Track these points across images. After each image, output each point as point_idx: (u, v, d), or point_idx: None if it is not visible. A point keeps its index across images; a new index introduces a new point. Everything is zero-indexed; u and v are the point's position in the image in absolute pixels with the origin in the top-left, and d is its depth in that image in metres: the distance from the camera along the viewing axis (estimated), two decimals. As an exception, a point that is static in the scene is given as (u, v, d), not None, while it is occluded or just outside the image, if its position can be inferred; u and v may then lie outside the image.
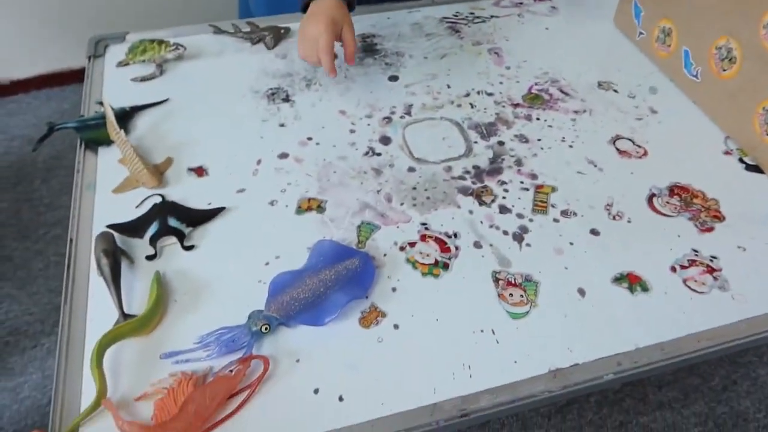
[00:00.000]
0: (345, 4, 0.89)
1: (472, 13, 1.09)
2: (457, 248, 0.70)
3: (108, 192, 0.77)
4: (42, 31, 1.87)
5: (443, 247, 0.71)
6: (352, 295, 0.64)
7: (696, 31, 0.89)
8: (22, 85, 1.92)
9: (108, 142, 0.83)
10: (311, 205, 0.75)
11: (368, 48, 1.00)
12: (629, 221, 0.74)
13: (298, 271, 0.67)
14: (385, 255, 0.69)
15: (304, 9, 0.90)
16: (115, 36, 1.03)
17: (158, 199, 0.75)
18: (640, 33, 1.00)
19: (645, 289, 0.67)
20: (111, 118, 0.82)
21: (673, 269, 0.69)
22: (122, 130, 0.81)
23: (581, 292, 0.66)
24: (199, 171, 0.80)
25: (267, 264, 0.68)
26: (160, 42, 0.97)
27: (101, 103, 0.88)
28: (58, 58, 1.91)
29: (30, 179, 1.68)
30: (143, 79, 0.95)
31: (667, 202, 0.76)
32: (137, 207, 0.75)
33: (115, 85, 0.94)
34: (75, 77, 1.86)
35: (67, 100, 1.89)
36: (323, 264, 0.66)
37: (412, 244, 0.71)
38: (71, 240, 0.72)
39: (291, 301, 0.63)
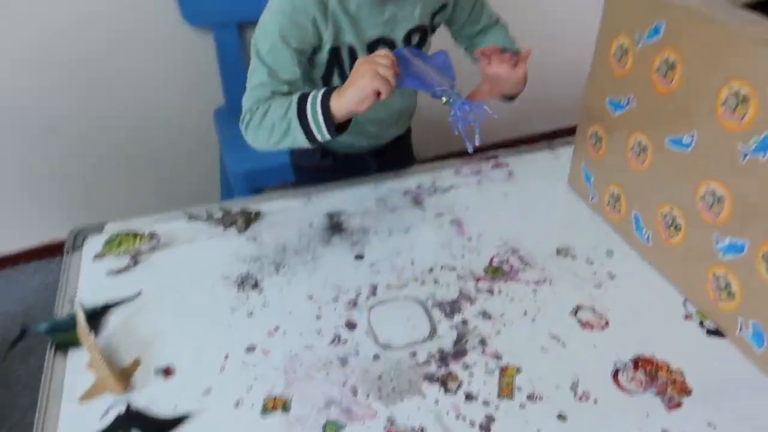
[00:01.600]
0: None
1: (433, 184, 1.15)
2: (423, 444, 0.69)
3: (75, 399, 0.77)
4: (30, 205, 1.96)
5: (409, 444, 0.70)
6: None
7: (642, 197, 0.94)
8: (9, 260, 1.97)
9: (79, 344, 0.84)
10: (276, 404, 0.75)
11: (335, 226, 1.05)
12: (596, 401, 0.73)
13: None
14: (350, 457, 0.68)
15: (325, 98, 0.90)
16: (93, 228, 1.07)
17: (123, 409, 0.75)
18: (593, 196, 1.06)
19: (617, 480, 0.65)
20: (82, 323, 0.84)
21: (644, 454, 0.67)
22: (92, 333, 0.82)
23: (552, 488, 0.65)
24: (167, 371, 0.80)
25: (230, 477, 0.67)
26: (135, 235, 1.01)
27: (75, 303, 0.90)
28: (46, 231, 1.98)
29: (9, 359, 1.66)
30: (118, 272, 0.98)
31: (632, 378, 0.76)
32: (102, 418, 0.74)
33: (90, 279, 0.97)
34: (62, 249, 1.91)
35: (53, 273, 1.92)
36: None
37: (378, 443, 0.70)
38: (33, 457, 0.71)
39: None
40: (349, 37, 0.97)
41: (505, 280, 0.92)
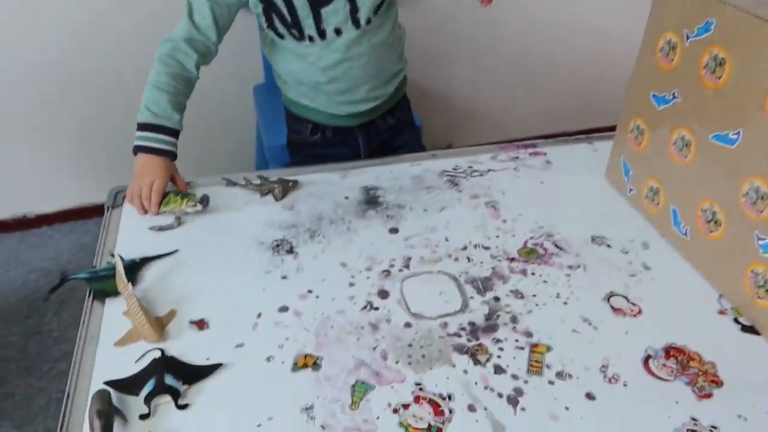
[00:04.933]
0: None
1: (470, 167, 1.15)
2: (451, 411, 0.70)
3: (110, 345, 0.79)
4: (69, 168, 2.00)
5: (437, 410, 0.70)
6: None
7: (682, 192, 0.93)
8: (47, 219, 2.02)
9: (116, 293, 0.86)
10: (307, 362, 0.76)
11: (371, 200, 1.06)
12: (625, 384, 0.73)
13: None
14: (378, 418, 0.69)
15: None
16: (134, 187, 1.09)
17: (157, 354, 0.77)
18: (631, 189, 1.05)
19: (643, 461, 0.65)
20: (120, 271, 0.86)
21: (672, 439, 0.67)
22: (130, 284, 0.84)
23: (577, 463, 0.65)
24: (201, 324, 0.82)
25: (259, 426, 0.68)
26: (184, 195, 1.03)
27: (113, 255, 0.92)
28: (83, 194, 2.03)
29: (42, 312, 1.71)
30: (160, 229, 1.00)
31: (664, 365, 0.76)
32: (137, 362, 0.76)
33: (129, 234, 1.00)
34: (98, 212, 1.98)
35: (87, 233, 1.97)
36: None
37: (405, 406, 0.70)
38: (68, 395, 0.73)
39: None
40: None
41: (539, 263, 0.92)
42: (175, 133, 1.10)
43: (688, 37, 0.87)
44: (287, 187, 1.08)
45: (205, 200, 1.03)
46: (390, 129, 1.29)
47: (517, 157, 1.19)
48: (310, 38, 1.08)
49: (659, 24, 0.93)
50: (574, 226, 1.00)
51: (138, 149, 1.08)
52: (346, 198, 1.06)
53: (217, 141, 2.09)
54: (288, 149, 1.37)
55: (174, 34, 1.10)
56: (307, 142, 1.29)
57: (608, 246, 0.96)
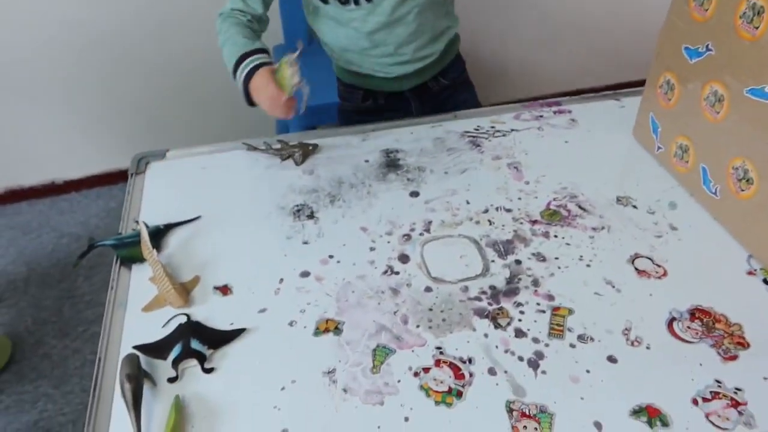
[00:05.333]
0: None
1: (492, 127, 1.13)
2: (471, 375, 0.70)
3: (138, 310, 0.81)
4: (94, 134, 2.03)
5: (457, 373, 0.71)
6: None
7: (712, 149, 0.90)
8: (74, 184, 2.06)
9: (142, 259, 0.88)
10: (329, 327, 0.77)
11: (391, 163, 1.05)
12: (648, 347, 0.73)
13: None
14: (399, 381, 0.70)
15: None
16: (156, 153, 1.10)
17: (183, 319, 0.78)
18: (659, 147, 1.02)
19: (665, 423, 0.65)
20: (145, 238, 0.87)
21: (695, 402, 0.67)
22: (154, 250, 0.85)
23: (598, 425, 0.65)
24: (224, 289, 0.83)
25: (283, 389, 0.70)
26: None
27: (138, 222, 0.94)
28: (109, 160, 2.06)
29: (74, 276, 1.76)
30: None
31: (688, 327, 0.75)
32: (164, 326, 0.78)
33: (153, 201, 1.01)
34: (124, 177, 2.02)
35: (114, 198, 2.01)
36: None
37: (426, 370, 0.71)
38: (99, 359, 0.75)
39: None
40: None
41: (562, 225, 0.91)
42: (265, 49, 1.07)
43: (723, -14, 0.83)
44: (308, 151, 1.08)
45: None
46: (444, 90, 1.26)
47: (541, 116, 1.16)
48: (356, 1, 1.05)
49: (693, -28, 0.89)
50: (599, 186, 0.98)
51: (248, 76, 1.02)
52: (367, 161, 1.05)
53: (238, 107, 2.08)
54: (339, 117, 1.36)
55: (223, 9, 1.11)
56: (360, 109, 1.28)
57: (634, 206, 0.94)
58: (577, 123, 1.14)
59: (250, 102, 1.05)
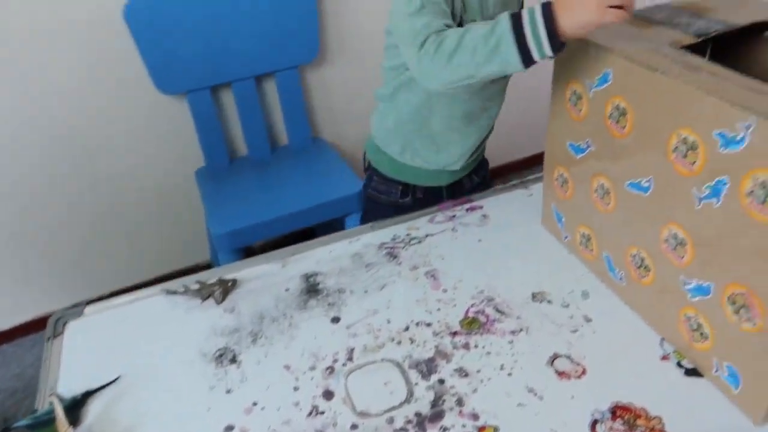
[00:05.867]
0: None
1: (408, 235, 1.15)
2: None
3: (56, 497, 0.77)
4: (21, 278, 1.97)
5: None
6: None
7: (611, 238, 0.94)
8: (4, 336, 1.98)
9: (60, 436, 0.84)
10: (255, 487, 0.74)
11: (312, 288, 1.05)
12: (574, 458, 0.73)
13: None
14: None
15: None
16: (74, 313, 1.08)
17: (101, 504, 0.74)
18: (566, 236, 1.06)
19: None
20: (60, 415, 0.84)
21: None
22: (71, 427, 0.82)
23: None
24: (146, 459, 0.80)
25: None
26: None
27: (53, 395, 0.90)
28: (39, 304, 1.99)
29: (9, 435, 1.67)
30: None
31: (611, 428, 0.76)
32: None
33: (71, 366, 0.97)
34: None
35: (49, 344, 1.93)
36: None
37: None
38: None
39: None
40: (473, 14, 1.03)
41: (482, 333, 0.92)
42: None
43: (590, 88, 0.89)
44: (227, 288, 1.07)
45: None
46: (474, 189, 1.30)
47: (454, 216, 1.19)
48: None
49: (564, 75, 0.95)
50: (515, 284, 1.00)
51: (546, 14, 0.82)
52: (287, 290, 1.05)
53: (168, 233, 2.08)
54: (369, 211, 1.38)
55: (423, 27, 0.92)
56: (396, 203, 1.31)
57: (549, 302, 0.96)
58: (488, 218, 1.17)
59: (557, 44, 0.83)
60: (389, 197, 1.32)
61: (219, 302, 1.05)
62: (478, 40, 0.86)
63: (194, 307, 1.05)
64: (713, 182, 0.70)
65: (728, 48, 0.91)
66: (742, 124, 0.63)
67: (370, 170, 1.35)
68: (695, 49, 0.84)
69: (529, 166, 2.47)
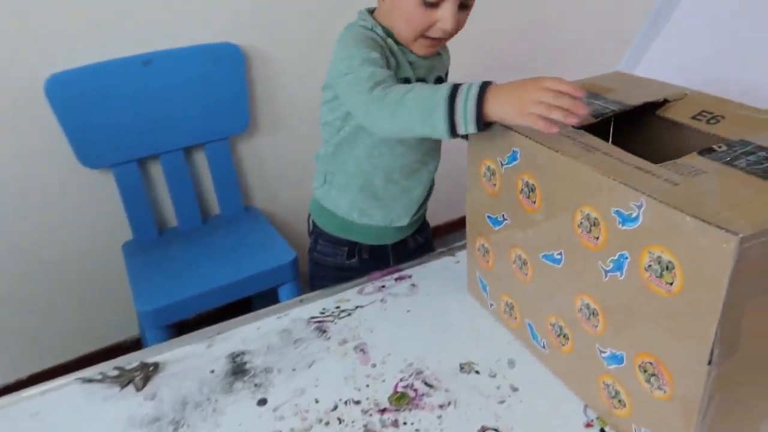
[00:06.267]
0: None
1: (338, 307, 1.15)
2: None
3: None
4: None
5: None
6: None
7: (531, 307, 0.97)
8: None
9: None
10: None
11: (238, 369, 1.02)
12: None
13: None
14: None
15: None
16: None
17: None
18: (491, 304, 1.08)
19: None
20: None
21: None
22: None
23: None
24: None
25: None
26: None
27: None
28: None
29: None
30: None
31: (538, 504, 0.76)
32: None
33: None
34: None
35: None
36: None
37: None
38: None
39: None
40: (406, 73, 1.11)
41: (410, 409, 0.91)
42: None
43: (502, 165, 0.93)
44: (149, 373, 1.02)
45: None
46: (418, 249, 1.31)
47: (383, 286, 1.20)
48: None
49: (478, 151, 0.99)
50: (443, 355, 1.01)
51: (479, 95, 0.86)
52: (212, 372, 1.02)
53: (94, 310, 1.99)
54: (311, 265, 1.37)
55: (371, 75, 0.99)
56: (343, 266, 1.29)
57: (477, 372, 0.97)
58: (417, 288, 1.19)
59: (482, 125, 0.88)
60: (335, 259, 1.32)
61: (139, 389, 1.00)
62: (418, 101, 0.91)
63: (112, 395, 1.00)
64: (616, 256, 0.73)
65: (628, 124, 0.98)
66: (634, 203, 0.67)
67: (315, 232, 1.35)
68: (598, 126, 0.90)
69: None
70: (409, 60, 1.13)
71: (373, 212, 1.26)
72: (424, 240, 1.39)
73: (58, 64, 1.64)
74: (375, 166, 1.20)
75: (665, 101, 0.94)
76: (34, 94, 1.65)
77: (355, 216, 1.27)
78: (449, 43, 1.18)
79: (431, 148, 1.23)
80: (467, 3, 1.06)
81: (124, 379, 1.02)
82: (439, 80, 1.20)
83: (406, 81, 1.11)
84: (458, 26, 1.07)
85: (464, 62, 2.21)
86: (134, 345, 2.09)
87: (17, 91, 1.67)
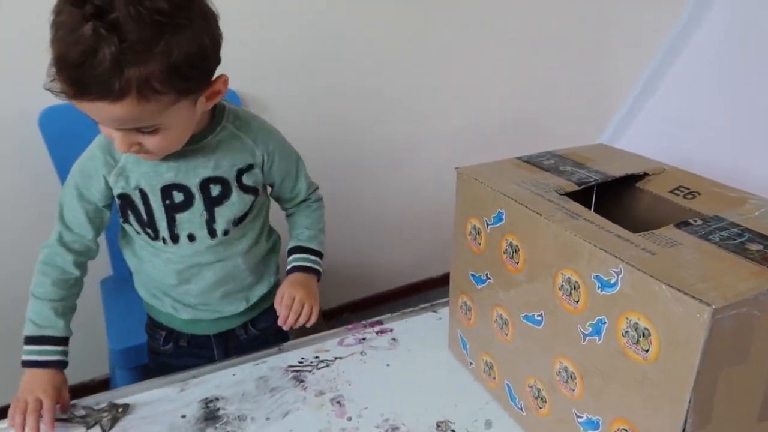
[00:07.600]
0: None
1: (317, 357, 1.14)
2: None
3: None
4: None
5: None
6: None
7: (510, 368, 0.97)
8: None
9: None
10: None
11: (210, 415, 1.00)
12: None
13: None
14: None
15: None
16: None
17: None
18: (471, 362, 1.08)
19: None
20: None
21: None
22: None
23: None
24: None
25: None
26: None
27: None
28: None
29: None
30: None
31: None
32: None
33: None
34: None
35: None
36: None
37: None
38: None
39: None
40: (139, 183, 1.02)
41: (384, 466, 0.90)
42: (61, 340, 1.03)
43: (487, 225, 0.95)
44: (117, 414, 1.00)
45: None
46: (252, 340, 1.24)
47: (364, 339, 1.19)
48: (164, 240, 1.07)
49: (464, 210, 1.02)
50: (420, 413, 1.00)
51: (24, 364, 1.02)
52: (183, 417, 1.00)
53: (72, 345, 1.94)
54: (149, 358, 1.30)
55: (50, 238, 1.07)
56: (158, 351, 1.24)
57: (453, 431, 0.96)
58: (398, 342, 1.19)
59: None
60: (153, 343, 1.25)
61: (107, 430, 0.98)
62: (31, 308, 1.05)
63: (78, 436, 0.97)
64: (595, 320, 0.75)
65: (609, 194, 1.02)
66: (613, 270, 0.69)
67: (146, 313, 1.28)
68: (581, 194, 0.93)
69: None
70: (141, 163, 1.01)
71: (161, 297, 1.18)
72: (259, 332, 1.25)
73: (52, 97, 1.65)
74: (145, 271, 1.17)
75: (645, 174, 0.98)
76: (28, 125, 1.66)
77: (148, 298, 1.20)
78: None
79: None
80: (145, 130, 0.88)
81: (90, 420, 0.99)
82: (207, 184, 1.04)
83: (141, 191, 1.03)
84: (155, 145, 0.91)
85: (442, 129, 2.27)
86: (102, 385, 2.03)
87: (10, 121, 1.68)
